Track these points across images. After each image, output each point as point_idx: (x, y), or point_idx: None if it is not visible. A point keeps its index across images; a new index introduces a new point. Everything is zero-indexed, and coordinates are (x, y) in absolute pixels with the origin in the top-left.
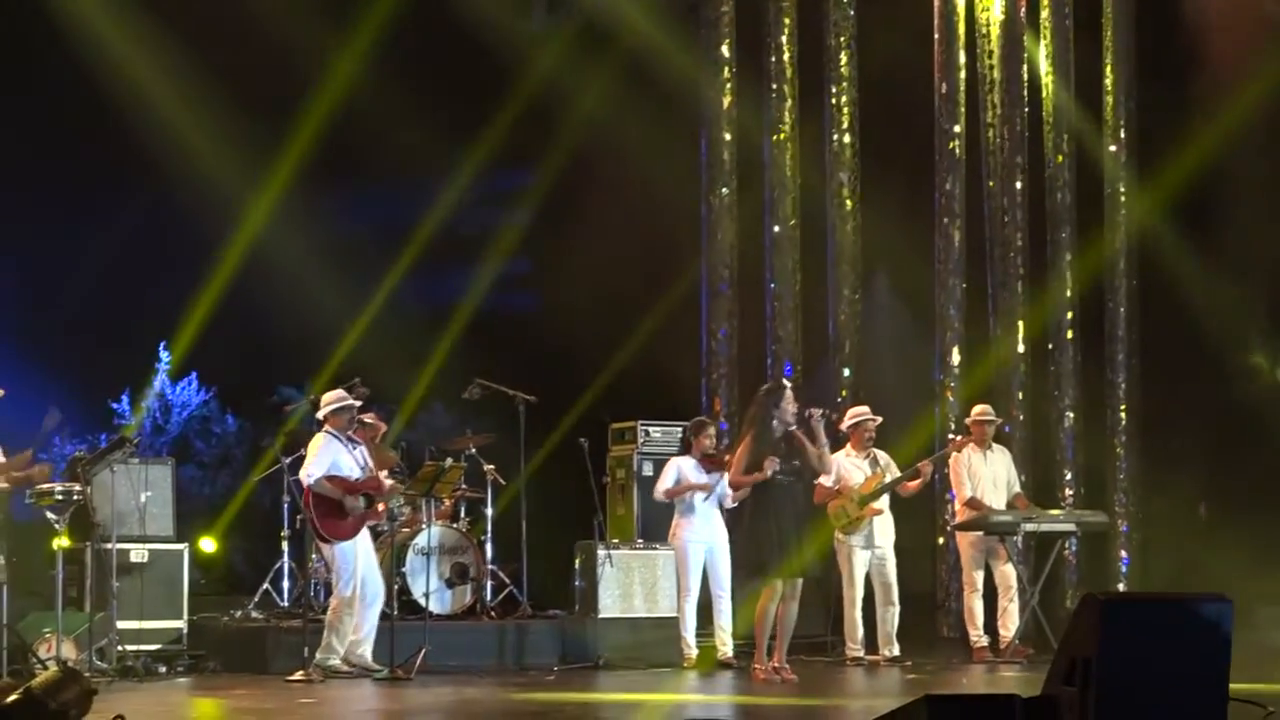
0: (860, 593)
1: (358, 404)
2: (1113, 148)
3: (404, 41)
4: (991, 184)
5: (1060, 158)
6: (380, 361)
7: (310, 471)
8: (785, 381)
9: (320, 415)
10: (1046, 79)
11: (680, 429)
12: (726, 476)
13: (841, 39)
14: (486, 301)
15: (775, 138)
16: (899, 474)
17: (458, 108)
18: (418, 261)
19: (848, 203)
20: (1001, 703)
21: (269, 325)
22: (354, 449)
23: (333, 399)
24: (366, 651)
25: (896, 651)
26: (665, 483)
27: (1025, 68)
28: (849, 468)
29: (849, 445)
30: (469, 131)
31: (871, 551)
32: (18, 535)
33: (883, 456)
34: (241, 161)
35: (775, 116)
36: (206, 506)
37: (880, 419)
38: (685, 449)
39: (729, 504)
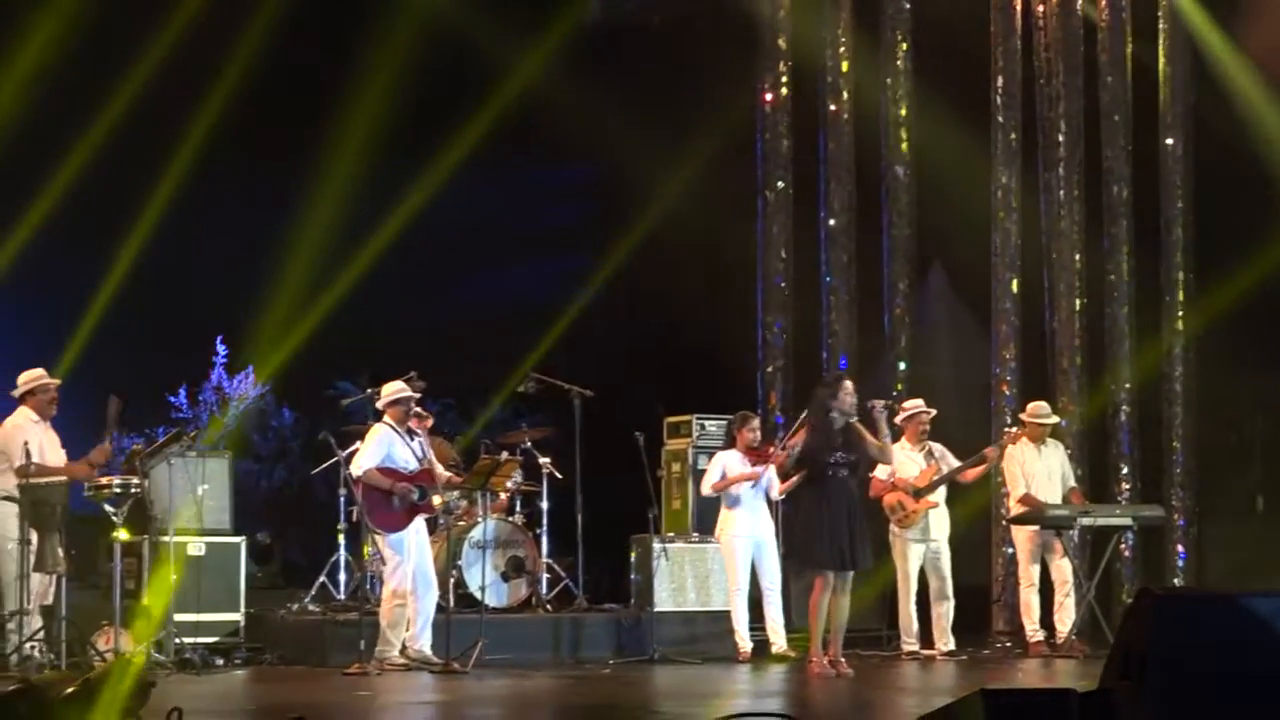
0: (914, 586)
1: (415, 396)
2: (1169, 141)
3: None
4: (1048, 176)
5: (1116, 150)
6: (439, 356)
7: (360, 463)
8: (842, 373)
9: (380, 406)
10: (1103, 71)
11: None
12: (773, 468)
13: (898, 31)
14: (543, 296)
15: (831, 130)
16: (955, 465)
17: (512, 102)
18: (476, 257)
19: (903, 195)
20: (1058, 697)
21: (324, 319)
22: (412, 440)
23: (391, 391)
24: (425, 644)
25: (952, 645)
26: (711, 477)
27: (1082, 59)
28: (904, 460)
29: (904, 438)
30: (526, 127)
31: (926, 545)
32: (76, 528)
33: (938, 449)
34: (299, 159)
35: (831, 110)
36: (263, 500)
37: (934, 411)
38: (730, 443)
39: (775, 495)
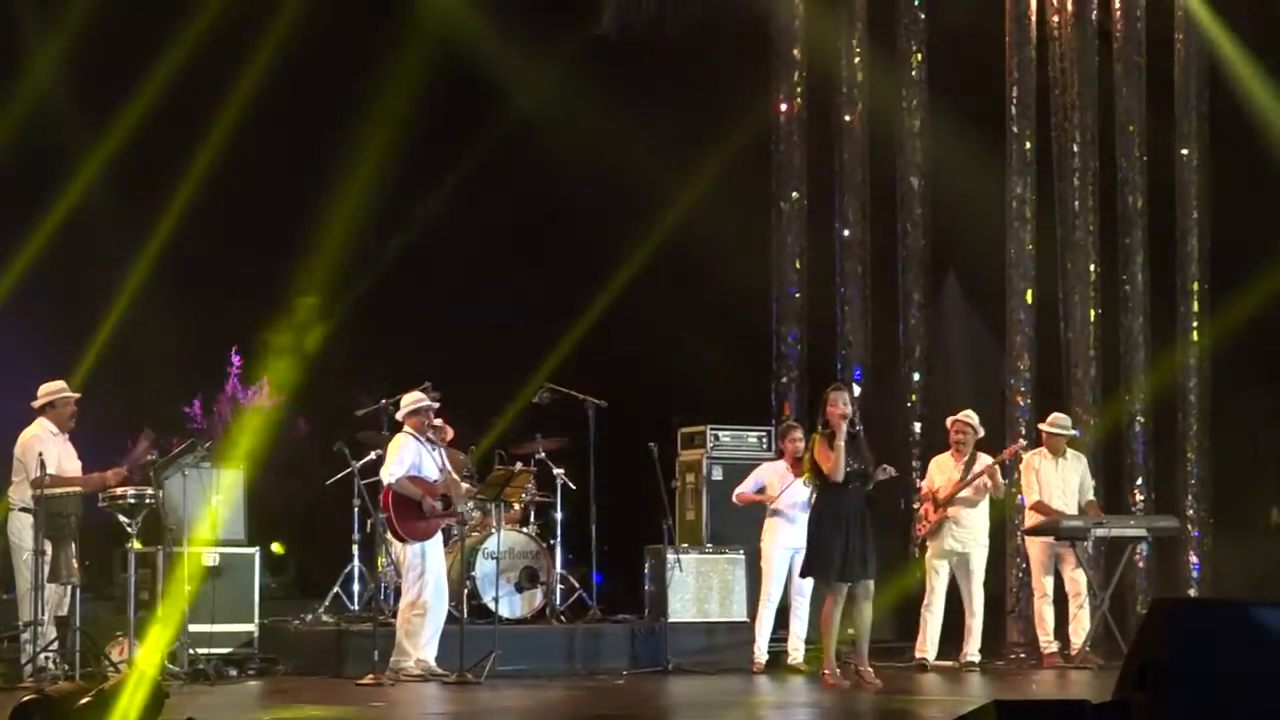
0: (938, 597)
1: (435, 405)
2: (1184, 150)
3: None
4: (1062, 187)
5: (1131, 160)
6: (452, 368)
7: (392, 471)
8: (840, 382)
9: (399, 416)
10: (1118, 81)
11: (749, 434)
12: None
13: (913, 42)
14: (557, 307)
15: (845, 140)
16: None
17: (525, 113)
18: (488, 268)
19: (917, 206)
20: (1072, 708)
21: (349, 330)
22: (433, 450)
23: (410, 401)
24: (430, 655)
25: (972, 657)
26: (742, 486)
27: (1097, 70)
28: (938, 471)
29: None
30: (539, 139)
31: (952, 557)
32: (91, 539)
33: (984, 460)
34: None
35: (846, 121)
36: (277, 511)
37: (961, 418)
38: (779, 454)
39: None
